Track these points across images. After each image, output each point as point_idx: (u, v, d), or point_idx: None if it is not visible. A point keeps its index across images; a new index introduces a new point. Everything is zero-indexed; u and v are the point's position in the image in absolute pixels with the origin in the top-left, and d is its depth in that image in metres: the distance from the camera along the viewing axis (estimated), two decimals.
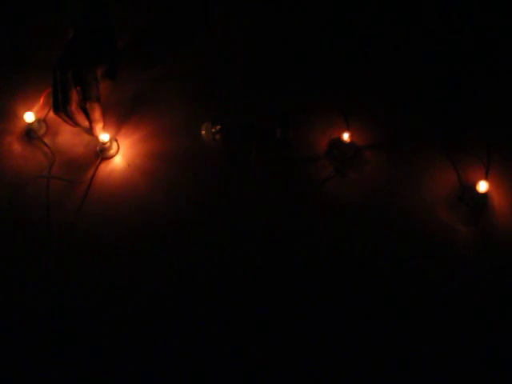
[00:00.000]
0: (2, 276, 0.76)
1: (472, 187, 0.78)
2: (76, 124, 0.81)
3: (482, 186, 0.77)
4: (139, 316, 0.72)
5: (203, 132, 0.84)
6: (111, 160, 0.85)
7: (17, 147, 0.88)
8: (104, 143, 0.83)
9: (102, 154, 0.84)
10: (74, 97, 0.78)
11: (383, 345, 0.69)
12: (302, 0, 1.01)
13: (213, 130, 0.84)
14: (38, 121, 0.87)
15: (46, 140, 0.87)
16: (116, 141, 0.86)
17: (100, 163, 0.84)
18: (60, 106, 0.78)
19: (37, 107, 0.89)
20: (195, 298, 0.73)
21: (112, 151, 0.85)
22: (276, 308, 0.72)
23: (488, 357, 0.68)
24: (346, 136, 0.82)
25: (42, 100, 0.89)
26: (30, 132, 0.88)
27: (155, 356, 0.69)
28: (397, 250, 0.76)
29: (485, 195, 0.78)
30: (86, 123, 0.81)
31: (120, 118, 0.88)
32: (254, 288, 0.74)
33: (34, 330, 0.72)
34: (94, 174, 0.83)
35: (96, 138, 0.83)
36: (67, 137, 0.88)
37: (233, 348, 0.70)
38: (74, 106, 0.78)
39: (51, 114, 0.82)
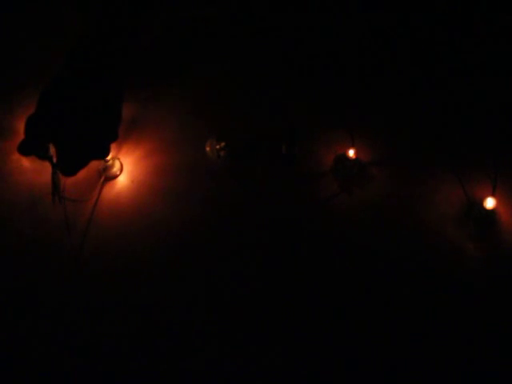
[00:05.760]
0: (12, 293, 0.77)
1: (479, 204, 0.78)
2: None
3: (490, 203, 0.77)
4: (153, 334, 0.73)
5: (208, 149, 0.83)
6: (115, 179, 0.84)
7: (25, 162, 0.87)
8: (106, 161, 0.83)
9: (104, 172, 0.84)
10: None
11: (389, 357, 0.71)
12: (309, 16, 0.97)
13: (217, 147, 0.83)
14: None
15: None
16: (118, 159, 0.85)
17: (104, 182, 0.84)
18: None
19: None
20: (213, 312, 0.74)
21: (115, 169, 0.84)
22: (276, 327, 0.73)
23: (494, 365, 0.70)
24: (351, 152, 0.81)
25: None
26: None
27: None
28: (404, 267, 0.76)
29: (492, 211, 0.77)
30: None
31: (120, 136, 0.86)
32: (261, 297, 0.75)
33: (40, 348, 0.73)
34: (99, 194, 0.82)
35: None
36: None
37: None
38: None
39: None
